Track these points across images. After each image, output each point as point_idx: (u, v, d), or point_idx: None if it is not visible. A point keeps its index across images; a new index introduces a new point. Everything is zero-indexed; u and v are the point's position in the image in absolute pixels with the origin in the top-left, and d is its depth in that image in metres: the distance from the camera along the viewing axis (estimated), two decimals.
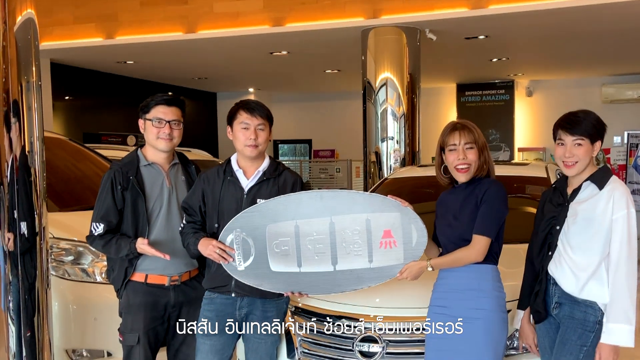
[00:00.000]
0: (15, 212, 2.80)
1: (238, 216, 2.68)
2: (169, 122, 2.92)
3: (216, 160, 7.57)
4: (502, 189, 2.58)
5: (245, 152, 2.79)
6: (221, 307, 2.82)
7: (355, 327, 2.91)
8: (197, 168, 3.13)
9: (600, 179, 2.51)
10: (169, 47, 8.92)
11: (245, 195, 2.79)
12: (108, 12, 8.65)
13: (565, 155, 2.53)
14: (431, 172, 2.80)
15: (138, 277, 2.90)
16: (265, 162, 2.85)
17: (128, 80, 11.99)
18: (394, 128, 7.70)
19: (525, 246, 2.76)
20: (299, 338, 3.03)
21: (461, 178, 2.59)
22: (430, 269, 2.59)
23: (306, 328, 3.04)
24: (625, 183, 9.50)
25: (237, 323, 2.85)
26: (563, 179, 2.67)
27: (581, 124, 2.51)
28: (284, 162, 3.01)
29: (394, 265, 2.62)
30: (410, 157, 7.80)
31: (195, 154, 6.98)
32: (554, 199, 2.64)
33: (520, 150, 13.40)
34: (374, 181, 7.55)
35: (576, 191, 2.56)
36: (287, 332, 3.06)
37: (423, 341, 2.74)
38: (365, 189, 7.58)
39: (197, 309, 2.90)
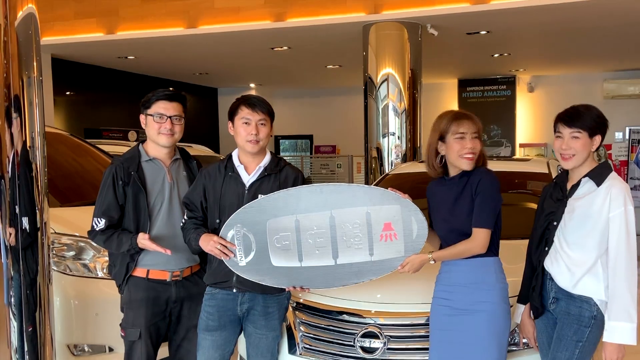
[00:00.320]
0: (17, 207, 2.80)
1: (238, 212, 2.68)
2: (170, 117, 2.92)
3: (217, 155, 7.58)
4: (495, 178, 2.57)
5: (246, 147, 2.79)
6: (222, 302, 2.83)
7: (356, 322, 2.91)
8: (199, 163, 3.13)
9: (598, 175, 2.50)
10: (170, 42, 8.91)
11: (246, 191, 2.79)
12: (109, 7, 8.65)
13: (562, 147, 2.52)
14: None
15: (139, 272, 2.90)
16: (267, 158, 2.85)
17: (129, 75, 11.99)
18: (395, 124, 7.70)
19: (527, 242, 2.76)
20: (300, 333, 3.04)
21: (467, 166, 2.56)
22: (432, 262, 2.59)
23: (307, 323, 3.04)
24: (627, 179, 9.50)
25: (238, 318, 2.86)
26: (564, 174, 2.66)
27: (579, 117, 2.50)
28: (285, 158, 3.01)
29: (395, 258, 2.62)
30: (412, 152, 7.81)
31: (197, 150, 6.98)
32: (554, 194, 2.63)
33: (521, 146, 13.39)
34: (375, 177, 7.55)
35: (575, 187, 2.55)
36: (289, 328, 3.07)
37: (425, 336, 2.75)
38: (366, 185, 7.57)
39: (198, 305, 2.90)
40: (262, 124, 2.79)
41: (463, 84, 13.83)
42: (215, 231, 2.76)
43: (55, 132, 5.05)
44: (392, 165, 7.60)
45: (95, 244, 3.22)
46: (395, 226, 2.60)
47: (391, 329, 2.87)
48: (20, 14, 2.80)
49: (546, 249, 2.60)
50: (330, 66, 11.52)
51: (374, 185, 4.38)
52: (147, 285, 2.90)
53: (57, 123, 10.28)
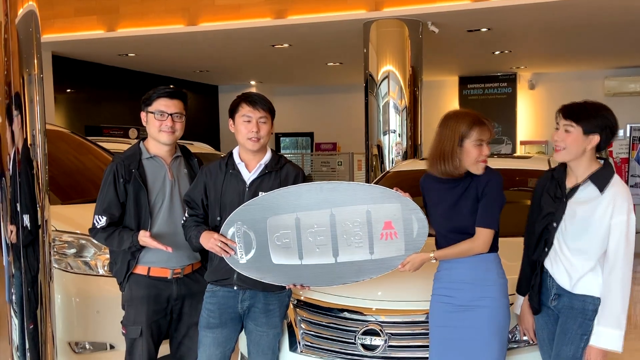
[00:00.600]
0: (18, 204, 2.81)
1: (239, 209, 2.68)
2: (171, 114, 2.91)
3: (218, 153, 7.58)
4: (501, 179, 2.58)
5: (247, 145, 2.79)
6: (223, 300, 2.83)
7: (357, 320, 2.91)
8: (200, 161, 3.13)
9: (601, 179, 2.46)
10: (170, 39, 8.90)
11: (247, 189, 2.79)
12: (109, 4, 8.64)
13: (554, 138, 2.51)
14: None
15: (141, 270, 2.90)
16: (267, 156, 2.85)
17: (130, 72, 11.99)
18: (396, 121, 7.69)
19: None
20: (301, 331, 3.04)
21: (481, 171, 2.55)
22: (433, 261, 2.59)
23: (308, 321, 3.04)
24: (628, 177, 9.49)
25: (239, 316, 2.86)
26: (562, 169, 2.62)
27: (578, 111, 2.46)
28: (285, 155, 3.00)
29: (395, 257, 2.62)
30: (412, 150, 7.80)
31: (198, 147, 6.98)
32: (551, 190, 2.60)
33: (522, 143, 13.38)
34: (376, 174, 7.55)
35: (575, 188, 2.52)
36: (290, 325, 3.07)
37: (425, 334, 2.75)
38: (367, 182, 7.57)
39: (199, 302, 2.91)
40: (263, 122, 2.79)
41: (464, 82, 13.81)
42: (216, 229, 2.76)
43: (56, 129, 5.05)
44: (392, 163, 7.60)
45: (96, 242, 3.22)
46: (395, 225, 2.60)
47: (392, 327, 2.87)
48: (20, 12, 2.80)
49: (546, 249, 2.59)
50: (331, 63, 11.51)
51: (375, 182, 4.38)
52: (148, 283, 2.90)
53: (58, 120, 10.28)
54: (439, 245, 2.65)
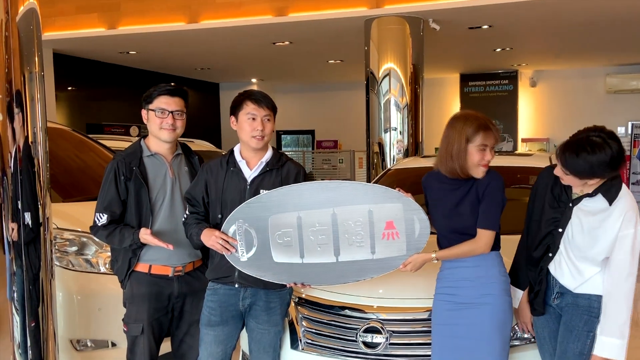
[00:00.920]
0: (19, 202, 2.81)
1: (240, 207, 2.68)
2: (172, 112, 2.91)
3: (219, 151, 7.57)
4: (502, 181, 2.58)
5: (251, 143, 2.78)
6: (224, 297, 2.83)
7: (358, 317, 2.91)
8: (200, 159, 3.13)
9: (610, 192, 2.44)
10: (171, 37, 8.90)
11: (248, 186, 2.78)
12: (110, 2, 8.64)
13: (556, 172, 2.49)
14: (432, 164, 2.78)
15: (142, 267, 2.90)
16: (269, 153, 2.85)
17: (131, 70, 11.99)
18: (397, 119, 7.68)
19: None
20: (303, 329, 3.04)
21: (481, 175, 2.55)
22: (435, 261, 2.60)
23: (310, 319, 3.04)
24: (630, 174, 9.50)
25: (240, 314, 2.86)
26: None
27: (569, 162, 2.37)
28: (287, 153, 3.00)
29: (397, 257, 2.62)
30: (414, 147, 7.79)
31: (198, 145, 6.98)
32: (556, 190, 2.60)
33: (523, 140, 13.37)
34: (377, 172, 7.55)
35: (582, 196, 2.51)
36: (291, 323, 3.07)
37: (427, 332, 2.75)
38: (369, 180, 7.57)
39: (200, 300, 2.91)
40: (267, 120, 2.78)
41: (465, 79, 13.80)
42: (217, 226, 2.75)
43: (57, 127, 5.05)
44: (394, 161, 7.59)
45: (97, 239, 3.23)
46: (397, 225, 2.60)
47: (393, 324, 2.87)
48: (21, 9, 2.80)
49: (550, 254, 2.59)
50: (332, 61, 11.50)
51: (376, 180, 4.38)
52: (150, 281, 2.90)
53: (59, 118, 10.29)
54: (441, 245, 2.65)
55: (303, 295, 3.09)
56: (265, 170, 2.80)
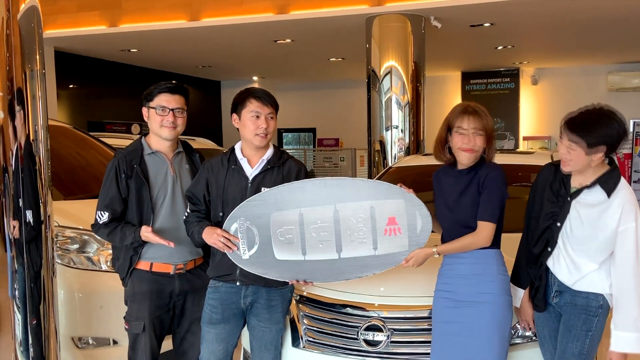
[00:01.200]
0: (21, 200, 2.81)
1: (242, 205, 2.68)
2: (172, 110, 2.91)
3: (220, 148, 7.57)
4: (502, 173, 2.58)
5: (254, 141, 2.77)
6: (226, 295, 2.83)
7: (360, 315, 2.91)
8: (202, 156, 3.13)
9: (608, 184, 2.44)
10: (172, 35, 8.90)
11: (249, 184, 2.78)
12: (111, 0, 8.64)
13: (559, 150, 2.49)
14: (435, 161, 2.79)
15: (143, 265, 2.91)
16: (270, 151, 2.84)
17: (132, 68, 11.99)
18: (398, 117, 7.68)
19: None
20: (304, 326, 3.04)
21: (464, 159, 2.58)
22: (436, 255, 2.60)
23: (311, 316, 3.04)
24: (631, 172, 9.48)
25: (242, 312, 2.86)
26: None
27: (580, 124, 2.40)
28: (288, 151, 3.00)
29: (399, 253, 2.62)
30: (415, 145, 7.79)
31: (200, 143, 6.98)
32: (554, 186, 2.60)
33: (525, 139, 13.36)
34: (379, 170, 7.54)
35: (581, 189, 2.50)
36: (292, 321, 3.07)
37: (428, 330, 2.75)
38: (370, 178, 7.57)
39: (202, 298, 2.91)
40: (270, 118, 2.78)
41: (466, 77, 13.78)
42: (219, 224, 2.75)
43: (58, 125, 5.05)
44: (395, 159, 7.59)
45: (98, 237, 3.23)
46: (399, 220, 2.60)
47: (395, 322, 2.87)
48: (22, 7, 2.79)
49: (549, 249, 2.59)
50: (333, 59, 11.49)
51: (377, 178, 4.37)
52: (151, 278, 2.90)
53: (60, 116, 10.29)
54: (444, 241, 2.65)
55: (304, 293, 3.09)
56: (266, 168, 2.80)
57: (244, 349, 3.23)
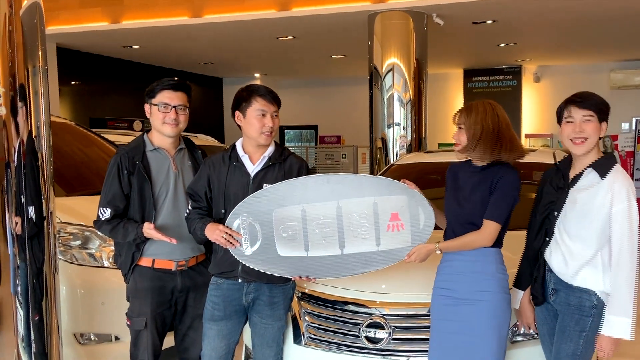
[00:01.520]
0: (23, 196, 2.81)
1: (244, 201, 2.68)
2: (174, 107, 2.91)
3: (222, 145, 7.57)
4: (517, 178, 2.56)
5: (260, 139, 2.77)
6: (228, 292, 2.83)
7: (361, 312, 2.91)
8: (204, 153, 3.13)
9: (602, 166, 2.46)
10: (174, 31, 8.90)
11: (251, 181, 2.78)
12: None
13: (575, 131, 2.47)
14: (437, 158, 2.80)
15: (145, 261, 2.91)
16: (271, 148, 2.84)
17: (134, 65, 11.99)
18: (400, 114, 7.67)
19: None
20: (306, 323, 3.04)
21: (455, 154, 2.65)
22: (438, 252, 2.59)
23: (313, 313, 3.05)
24: (634, 170, 9.47)
25: (243, 308, 2.86)
26: (567, 161, 2.62)
27: (591, 99, 2.48)
28: (290, 148, 3.00)
29: (402, 248, 2.62)
30: (417, 143, 7.78)
31: (202, 140, 6.98)
32: (554, 181, 2.60)
33: (527, 136, 13.34)
34: (380, 167, 7.54)
35: (578, 177, 2.52)
36: (294, 318, 3.07)
37: (429, 327, 2.75)
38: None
39: (204, 294, 2.91)
40: (275, 115, 2.79)
41: (469, 74, 13.77)
42: (221, 221, 2.75)
43: (60, 121, 5.06)
44: (397, 156, 7.59)
45: (101, 234, 3.23)
46: (402, 216, 2.60)
47: (396, 320, 2.87)
48: (25, 3, 2.79)
49: (547, 239, 2.59)
50: (336, 56, 11.48)
51: (379, 175, 4.37)
52: (153, 275, 2.91)
53: (63, 112, 10.30)
54: (447, 237, 2.65)
55: (306, 290, 3.10)
56: (268, 164, 2.80)
57: (246, 345, 3.23)
